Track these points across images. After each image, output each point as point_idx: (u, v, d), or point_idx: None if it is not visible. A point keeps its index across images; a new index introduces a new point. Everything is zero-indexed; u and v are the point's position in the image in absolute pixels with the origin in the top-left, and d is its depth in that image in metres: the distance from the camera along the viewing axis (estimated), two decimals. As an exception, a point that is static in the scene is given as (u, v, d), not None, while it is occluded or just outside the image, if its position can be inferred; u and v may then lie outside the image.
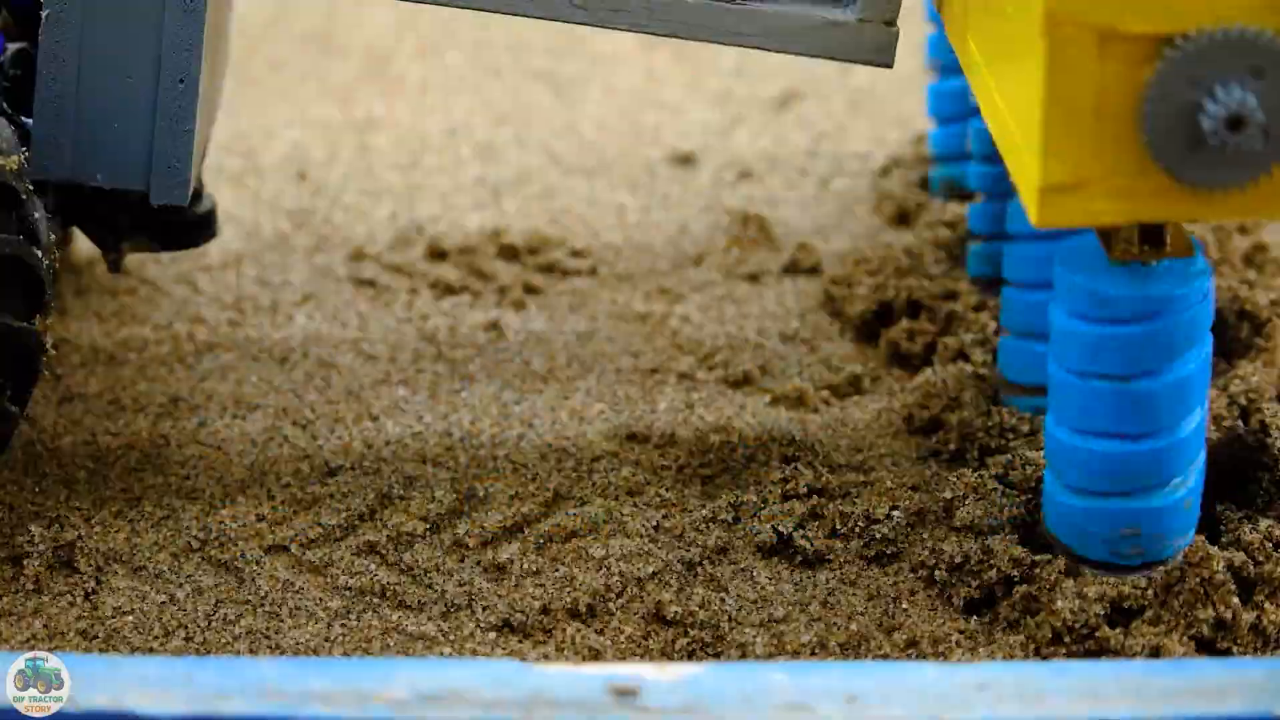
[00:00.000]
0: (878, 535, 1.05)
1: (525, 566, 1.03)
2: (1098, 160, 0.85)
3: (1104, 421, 0.92)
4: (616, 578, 1.02)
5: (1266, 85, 0.83)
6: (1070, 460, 0.94)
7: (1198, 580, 0.98)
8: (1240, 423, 1.06)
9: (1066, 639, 0.97)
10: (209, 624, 1.00)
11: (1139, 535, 0.93)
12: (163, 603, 1.02)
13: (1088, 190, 0.86)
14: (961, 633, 0.99)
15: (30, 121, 1.03)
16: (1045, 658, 0.97)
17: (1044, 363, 0.95)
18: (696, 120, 1.57)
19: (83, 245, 1.36)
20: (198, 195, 1.14)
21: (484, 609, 1.01)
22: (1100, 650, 0.97)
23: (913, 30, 1.74)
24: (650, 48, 1.72)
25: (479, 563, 1.04)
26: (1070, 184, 0.85)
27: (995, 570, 1.00)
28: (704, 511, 1.07)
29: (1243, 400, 1.09)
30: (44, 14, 1.02)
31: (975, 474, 1.08)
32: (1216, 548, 0.99)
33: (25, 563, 1.03)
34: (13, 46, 1.06)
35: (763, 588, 1.02)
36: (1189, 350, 0.92)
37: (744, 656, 0.97)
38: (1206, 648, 0.97)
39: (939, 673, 0.84)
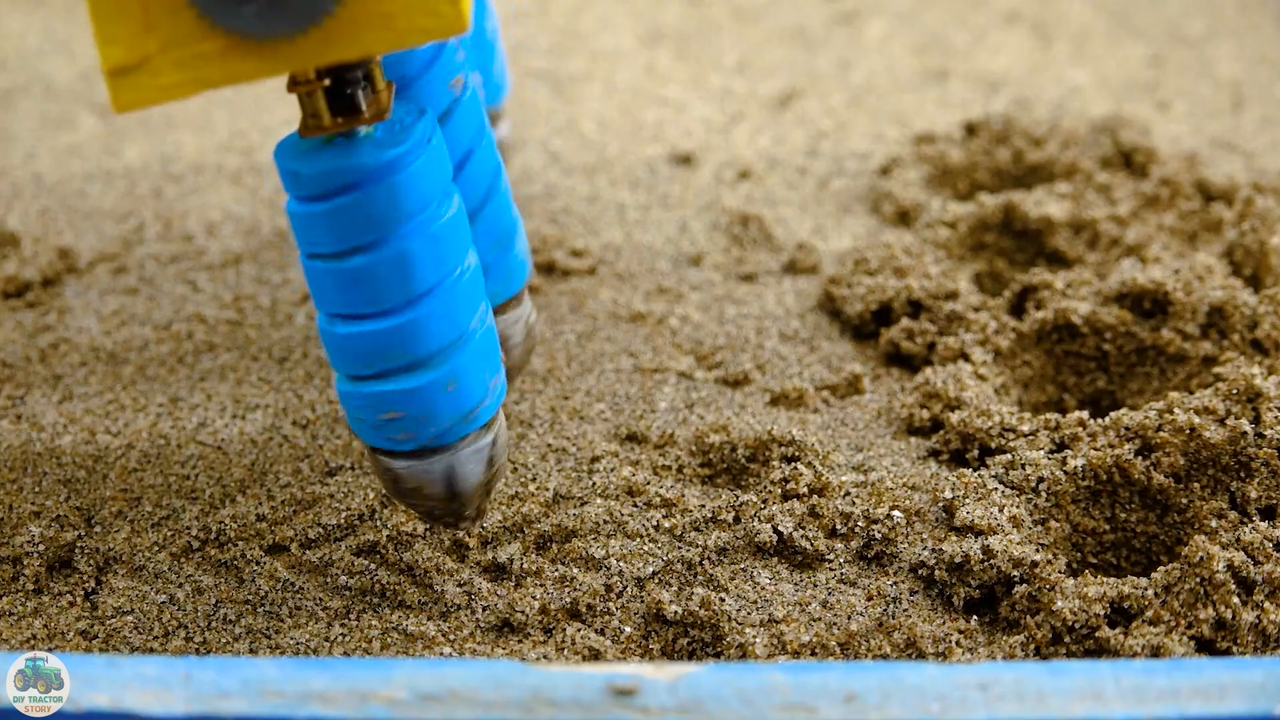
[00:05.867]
0: (878, 535, 1.05)
1: (525, 566, 1.03)
2: (153, 34, 0.83)
3: (340, 303, 0.91)
4: (616, 578, 1.02)
5: None
6: (334, 347, 0.93)
7: (1198, 580, 0.98)
8: (1242, 422, 1.06)
9: (1066, 639, 0.97)
10: (209, 624, 1.00)
11: (404, 418, 0.93)
12: (163, 603, 1.02)
13: (152, 66, 0.84)
14: (961, 633, 0.99)
15: None
16: (1045, 658, 0.97)
17: None
18: (697, 118, 1.57)
19: (83, 245, 1.36)
20: None
21: (484, 609, 1.01)
22: (1100, 650, 0.97)
23: (912, 31, 1.75)
24: (652, 45, 1.72)
25: (479, 563, 1.04)
26: (133, 64, 0.83)
27: (995, 570, 1.00)
28: (704, 511, 1.07)
29: (1244, 399, 1.09)
30: None
31: (975, 474, 1.08)
32: (1217, 548, 0.99)
33: (25, 563, 1.03)
34: None
35: (763, 588, 1.02)
36: (410, 218, 0.90)
37: (744, 656, 0.97)
38: (1206, 648, 0.97)
39: (939, 673, 0.84)
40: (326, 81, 0.88)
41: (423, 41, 0.85)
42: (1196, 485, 1.06)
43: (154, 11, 0.83)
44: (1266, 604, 0.98)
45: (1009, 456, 1.09)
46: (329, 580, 1.03)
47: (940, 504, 1.06)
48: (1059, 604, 0.98)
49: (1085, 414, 1.12)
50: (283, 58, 0.84)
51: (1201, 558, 0.98)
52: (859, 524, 1.05)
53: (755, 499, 1.07)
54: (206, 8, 0.83)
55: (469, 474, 0.97)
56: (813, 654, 0.98)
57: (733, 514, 1.06)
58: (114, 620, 1.00)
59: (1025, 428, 1.12)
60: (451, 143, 1.01)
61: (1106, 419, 1.10)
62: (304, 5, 0.83)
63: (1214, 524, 1.04)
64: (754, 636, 0.98)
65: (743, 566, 1.04)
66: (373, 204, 0.90)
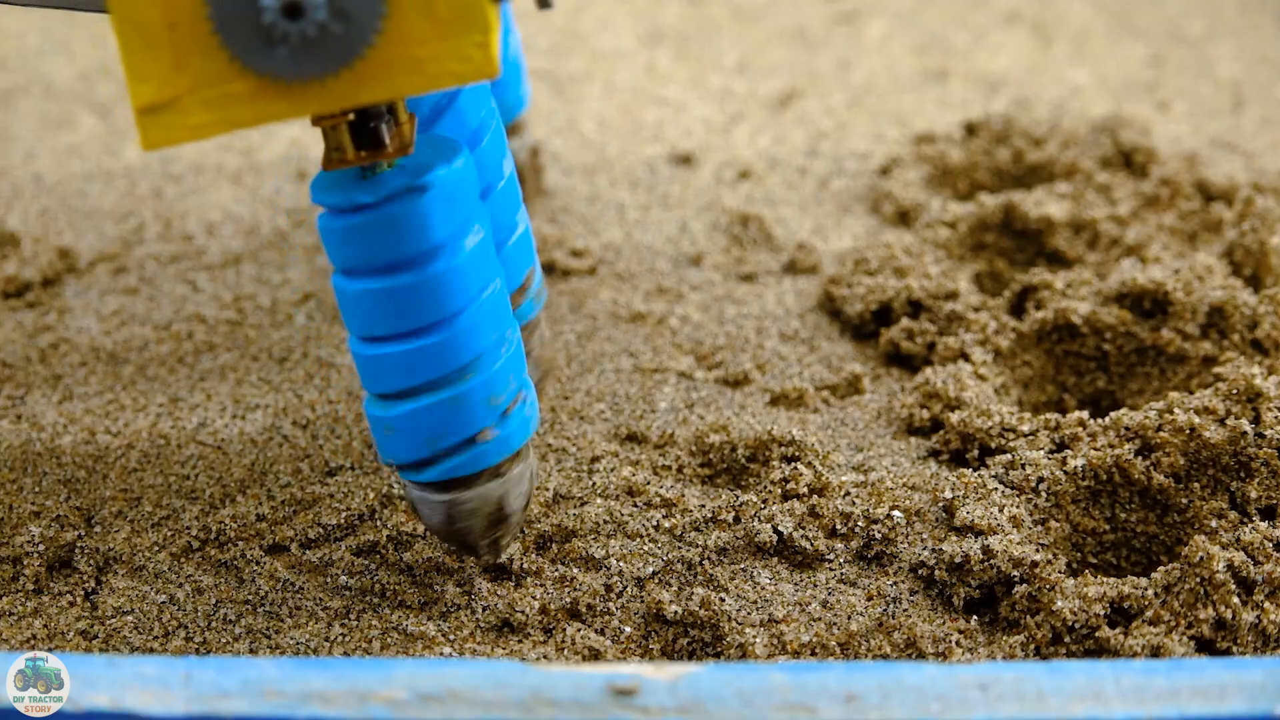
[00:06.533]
0: (878, 535, 1.05)
1: (525, 566, 1.03)
2: (184, 74, 0.84)
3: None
4: (616, 578, 1.02)
5: None
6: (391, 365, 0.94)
7: (1198, 580, 0.98)
8: (1242, 422, 1.06)
9: (1066, 639, 0.97)
10: (209, 624, 1.00)
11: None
12: (163, 603, 1.02)
13: (181, 105, 0.84)
14: (961, 633, 0.99)
15: None
16: (1045, 658, 0.97)
17: None
18: (697, 118, 1.57)
19: (83, 245, 1.36)
20: None
21: (484, 609, 1.01)
22: (1100, 650, 0.97)
23: (912, 31, 1.75)
24: (652, 45, 1.72)
25: (479, 562, 1.04)
26: (163, 103, 0.84)
27: (995, 570, 1.00)
28: (704, 511, 1.07)
29: (1244, 399, 1.09)
30: None
31: (975, 474, 1.08)
32: (1217, 548, 0.99)
33: (25, 563, 1.03)
34: None
35: (763, 588, 1.02)
36: (449, 238, 0.92)
37: (744, 656, 0.97)
38: (1206, 648, 0.97)
39: (939, 673, 0.84)
40: (351, 116, 0.89)
41: (453, 85, 0.85)
42: (1196, 485, 1.06)
43: (185, 51, 0.84)
44: (1266, 604, 0.98)
45: (1009, 456, 1.09)
46: (329, 580, 1.03)
47: (940, 504, 1.06)
48: (1059, 604, 0.98)
49: (1085, 414, 1.12)
50: (313, 99, 0.85)
51: (1201, 558, 0.98)
52: (859, 524, 1.05)
53: (755, 499, 1.07)
54: (237, 50, 0.83)
55: (520, 494, 1.00)
56: (813, 654, 0.98)
57: (733, 514, 1.06)
58: (114, 620, 1.00)
59: (1025, 428, 1.12)
60: (484, 167, 1.01)
61: (1106, 419, 1.10)
62: (335, 48, 0.83)
63: (1214, 524, 1.04)
64: (754, 636, 0.98)
65: (743, 566, 1.04)
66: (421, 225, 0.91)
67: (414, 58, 0.84)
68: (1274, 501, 1.05)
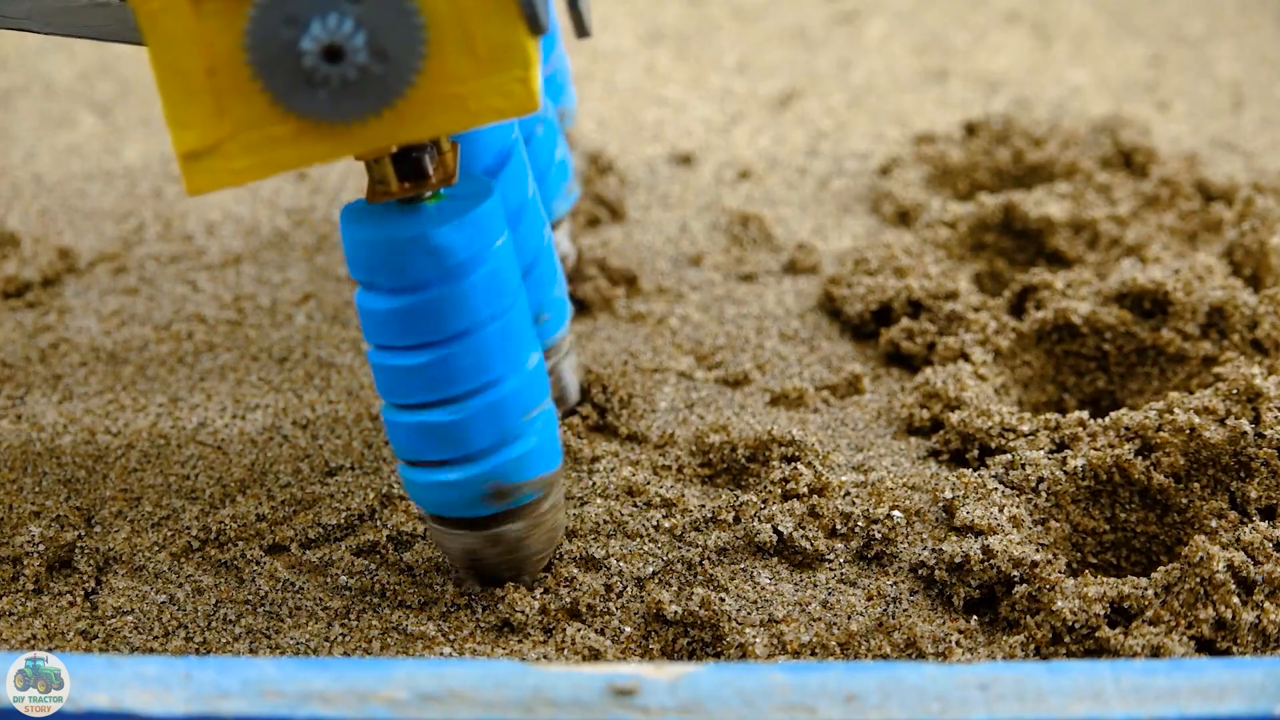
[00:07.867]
0: (878, 535, 1.05)
1: (525, 566, 1.03)
2: (225, 119, 0.84)
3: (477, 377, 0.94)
4: (616, 578, 1.02)
5: (365, 8, 0.82)
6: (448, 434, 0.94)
7: (1198, 580, 0.98)
8: (1242, 422, 1.06)
9: (1066, 639, 0.97)
10: (209, 624, 1.00)
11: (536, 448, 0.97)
12: (163, 603, 1.02)
13: (224, 150, 0.84)
14: (961, 633, 0.99)
15: None
16: (1045, 658, 0.97)
17: None
18: (697, 118, 1.57)
19: (83, 245, 1.36)
20: None
21: (484, 609, 1.01)
22: (1100, 650, 0.97)
23: (912, 31, 1.75)
24: (652, 45, 1.72)
25: (479, 563, 1.04)
26: (205, 148, 0.84)
27: (995, 570, 1.00)
28: (704, 511, 1.07)
29: (1244, 399, 1.09)
30: None
31: (975, 474, 1.08)
32: (1217, 548, 0.99)
33: (25, 563, 1.03)
34: None
35: (763, 588, 1.02)
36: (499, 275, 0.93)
37: (744, 656, 0.97)
38: (1206, 648, 0.97)
39: (939, 673, 0.84)
40: (394, 148, 0.89)
41: (495, 121, 0.85)
42: (1196, 485, 1.06)
43: (226, 96, 0.84)
44: (1266, 604, 0.98)
45: (1009, 456, 1.09)
46: (329, 580, 1.03)
47: (940, 504, 1.06)
48: (1059, 604, 0.98)
49: (1085, 414, 1.12)
50: (355, 139, 0.85)
51: (1201, 558, 0.98)
52: (859, 524, 1.05)
53: (755, 499, 1.07)
54: (279, 93, 0.83)
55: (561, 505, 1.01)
56: (813, 654, 0.98)
57: (733, 514, 1.06)
58: (114, 620, 1.00)
59: (1025, 428, 1.12)
60: (510, 190, 1.02)
61: (1106, 419, 1.10)
62: (376, 89, 0.83)
63: (1214, 524, 1.04)
64: (754, 636, 0.98)
65: (743, 566, 1.04)
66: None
67: (455, 95, 0.84)
68: (1274, 501, 1.05)
